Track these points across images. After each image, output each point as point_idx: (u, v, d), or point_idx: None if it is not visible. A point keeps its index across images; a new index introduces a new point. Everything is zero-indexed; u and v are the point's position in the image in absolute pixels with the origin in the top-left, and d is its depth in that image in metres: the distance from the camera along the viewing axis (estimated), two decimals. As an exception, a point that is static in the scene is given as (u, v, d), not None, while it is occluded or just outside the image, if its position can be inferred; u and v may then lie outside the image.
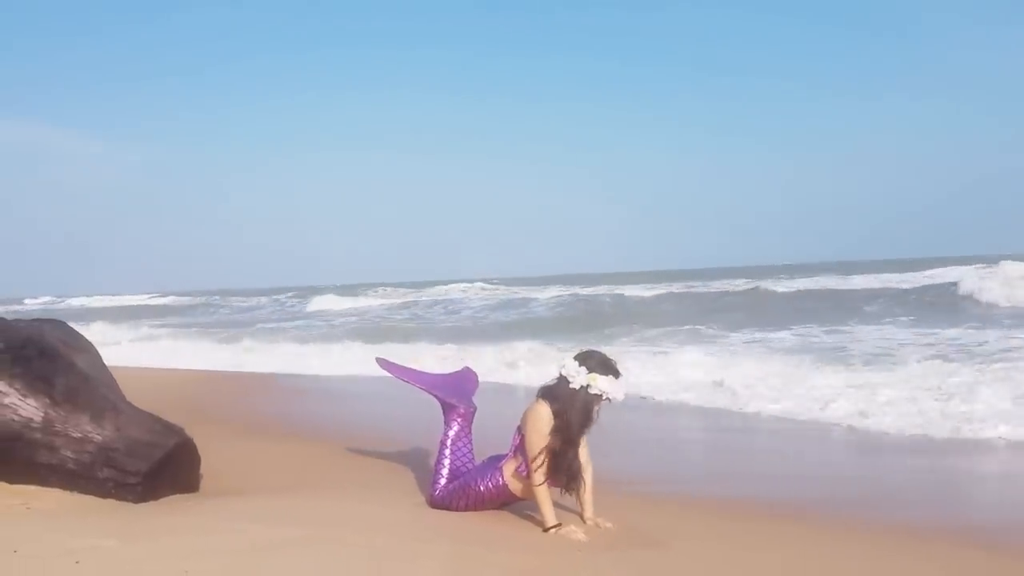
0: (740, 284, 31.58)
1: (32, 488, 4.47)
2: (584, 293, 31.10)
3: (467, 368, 5.39)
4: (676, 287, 32.96)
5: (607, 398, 4.14)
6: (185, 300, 54.52)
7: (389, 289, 49.38)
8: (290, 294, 50.81)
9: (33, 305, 59.55)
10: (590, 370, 4.12)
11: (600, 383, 4.10)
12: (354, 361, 13.29)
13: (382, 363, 5.20)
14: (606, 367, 4.16)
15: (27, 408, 4.45)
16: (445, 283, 49.67)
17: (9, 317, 5.17)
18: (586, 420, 4.14)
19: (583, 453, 4.20)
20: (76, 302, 63.98)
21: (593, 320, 22.16)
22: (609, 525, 4.14)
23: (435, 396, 4.89)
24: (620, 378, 4.17)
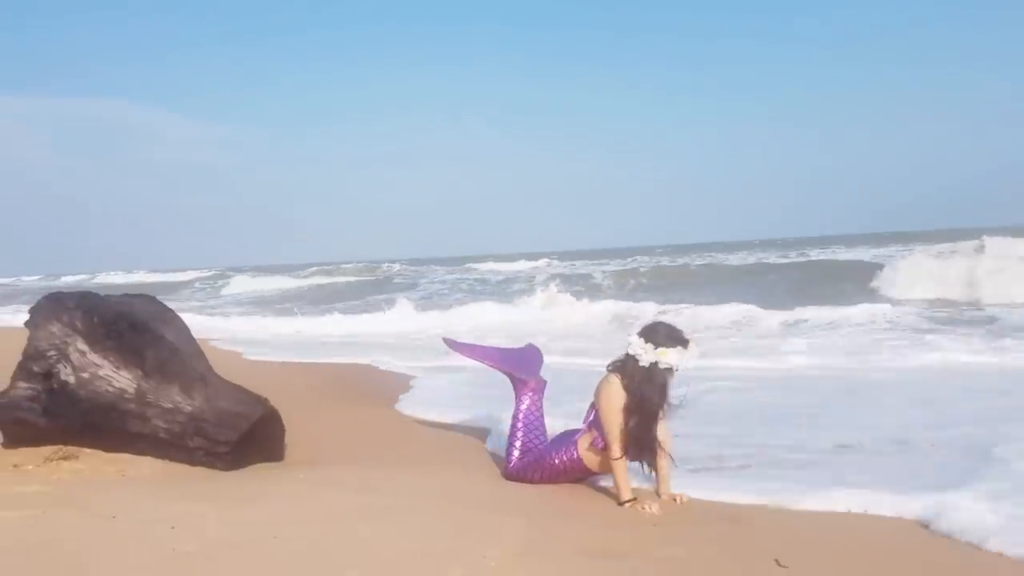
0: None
1: (126, 457, 4.67)
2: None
3: (530, 345, 5.42)
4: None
5: (678, 369, 4.12)
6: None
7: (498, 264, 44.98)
8: (398, 265, 49.60)
9: (29, 282, 60.45)
10: (657, 345, 4.09)
11: (670, 357, 4.07)
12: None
13: (449, 343, 5.27)
14: (673, 339, 4.12)
15: (120, 380, 4.64)
16: (497, 259, 48.53)
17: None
18: (662, 396, 4.14)
19: (661, 428, 4.19)
20: (72, 279, 64.01)
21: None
22: (686, 500, 4.14)
23: (504, 372, 4.95)
24: (689, 346, 4.13)
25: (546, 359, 5.29)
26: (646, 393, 4.08)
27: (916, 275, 18.40)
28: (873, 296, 17.41)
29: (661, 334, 4.13)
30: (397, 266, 47.20)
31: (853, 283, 19.50)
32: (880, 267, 20.21)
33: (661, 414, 4.17)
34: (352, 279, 38.25)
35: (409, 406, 7.06)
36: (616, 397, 4.12)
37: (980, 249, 19.14)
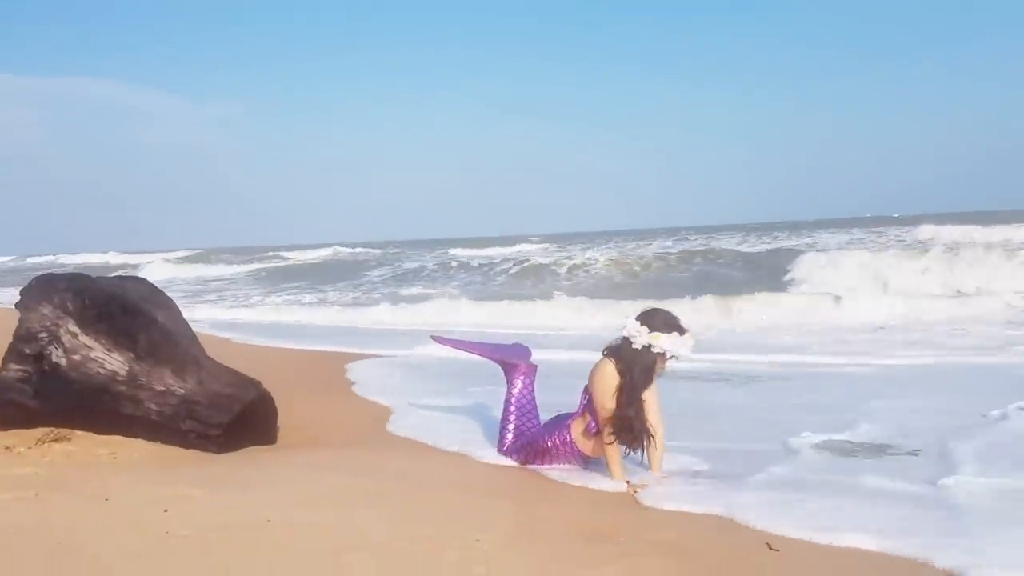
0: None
1: (118, 439, 4.67)
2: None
3: (518, 343, 5.47)
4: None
5: (672, 356, 4.16)
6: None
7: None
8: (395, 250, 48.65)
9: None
10: (652, 329, 4.13)
11: (663, 341, 4.11)
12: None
13: (438, 340, 5.35)
14: (669, 325, 4.17)
15: (112, 362, 4.63)
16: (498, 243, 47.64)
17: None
18: (647, 379, 4.17)
19: (655, 412, 4.23)
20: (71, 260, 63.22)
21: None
22: (676, 483, 4.16)
23: (495, 360, 4.97)
24: (685, 334, 4.17)
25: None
26: (635, 376, 4.12)
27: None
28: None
29: (658, 319, 4.17)
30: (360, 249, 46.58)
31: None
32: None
33: (653, 398, 4.20)
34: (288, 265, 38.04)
35: (398, 392, 7.07)
36: (609, 381, 4.15)
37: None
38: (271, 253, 48.80)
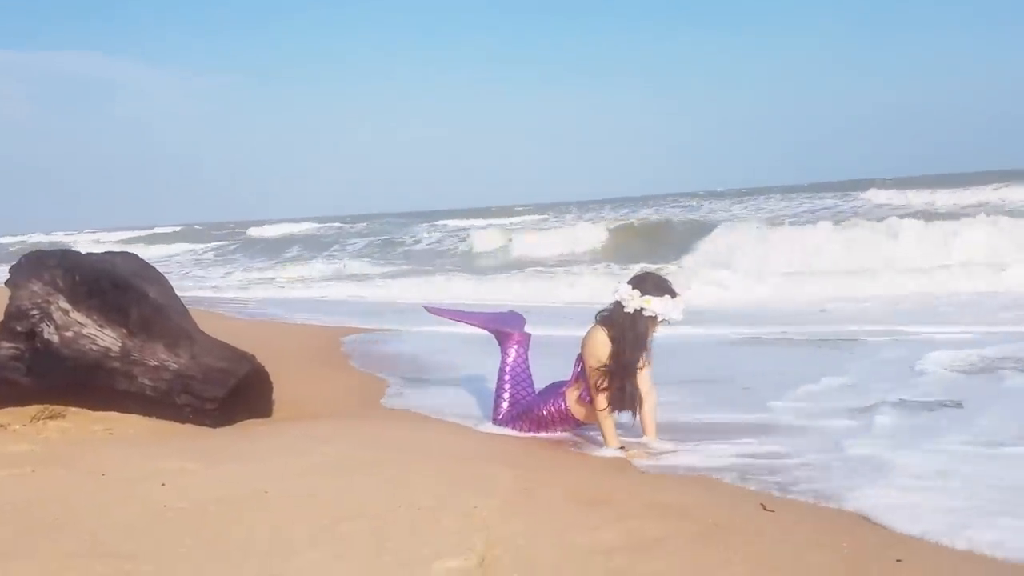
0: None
1: (113, 415, 4.66)
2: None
3: (512, 311, 5.46)
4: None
5: (664, 319, 4.16)
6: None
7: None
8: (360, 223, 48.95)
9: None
10: (643, 292, 4.12)
11: (655, 305, 4.10)
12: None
13: (431, 309, 5.37)
14: (660, 288, 4.15)
15: (104, 338, 4.61)
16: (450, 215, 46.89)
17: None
18: (640, 343, 4.17)
19: (646, 378, 4.23)
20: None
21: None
22: (670, 447, 4.19)
23: (488, 329, 4.97)
24: (677, 298, 4.16)
25: None
26: (628, 341, 4.12)
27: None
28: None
29: (649, 283, 4.16)
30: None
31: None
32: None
33: (643, 363, 4.20)
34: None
35: (393, 365, 7.07)
36: (601, 348, 4.15)
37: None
38: (236, 228, 48.97)
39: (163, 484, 3.39)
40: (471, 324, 5.16)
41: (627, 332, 4.13)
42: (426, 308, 5.45)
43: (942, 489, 3.36)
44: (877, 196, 26.35)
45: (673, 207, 39.59)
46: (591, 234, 25.21)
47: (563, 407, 4.40)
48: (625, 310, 4.13)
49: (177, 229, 59.79)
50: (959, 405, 4.83)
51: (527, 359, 4.82)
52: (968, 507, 3.13)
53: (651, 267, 4.56)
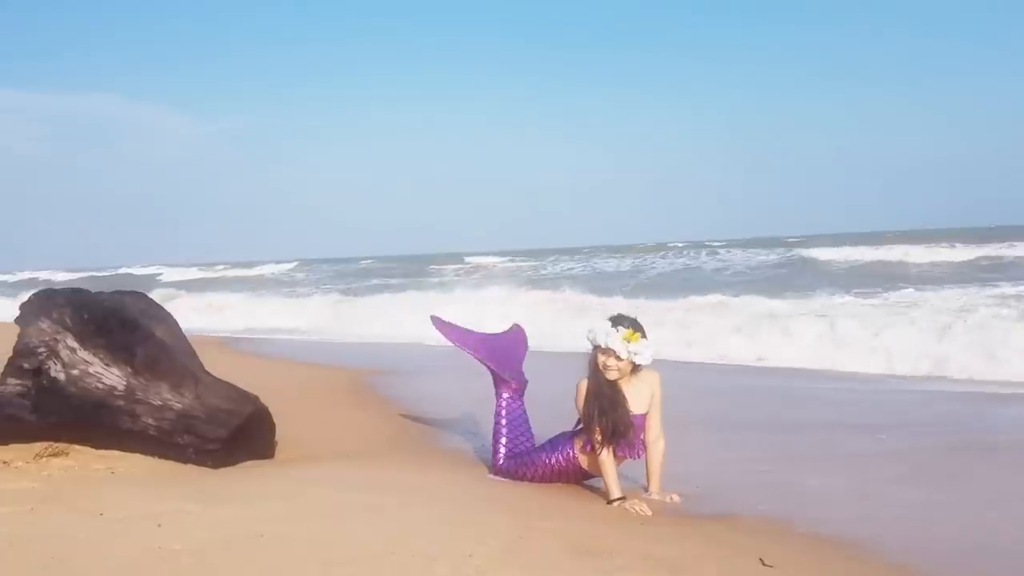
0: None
1: (116, 453, 4.68)
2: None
3: (516, 326, 5.34)
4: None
5: (627, 356, 4.12)
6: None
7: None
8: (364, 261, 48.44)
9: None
10: (609, 328, 4.13)
11: (596, 333, 4.13)
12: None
13: (437, 322, 5.10)
14: (613, 320, 4.17)
15: (110, 376, 4.64)
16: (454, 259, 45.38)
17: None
18: (596, 374, 4.16)
19: (654, 426, 4.23)
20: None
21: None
22: (676, 498, 4.15)
23: (488, 365, 4.86)
24: (637, 336, 4.12)
25: None
26: (592, 375, 4.17)
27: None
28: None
29: (613, 319, 4.19)
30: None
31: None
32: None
33: (656, 412, 4.21)
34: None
35: (392, 403, 7.07)
36: (581, 392, 4.24)
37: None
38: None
39: (159, 525, 3.39)
40: (470, 352, 4.93)
41: (590, 367, 4.20)
42: (432, 319, 5.16)
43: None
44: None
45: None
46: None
47: (571, 455, 4.35)
48: (592, 347, 4.20)
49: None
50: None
51: (523, 405, 4.79)
52: None
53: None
